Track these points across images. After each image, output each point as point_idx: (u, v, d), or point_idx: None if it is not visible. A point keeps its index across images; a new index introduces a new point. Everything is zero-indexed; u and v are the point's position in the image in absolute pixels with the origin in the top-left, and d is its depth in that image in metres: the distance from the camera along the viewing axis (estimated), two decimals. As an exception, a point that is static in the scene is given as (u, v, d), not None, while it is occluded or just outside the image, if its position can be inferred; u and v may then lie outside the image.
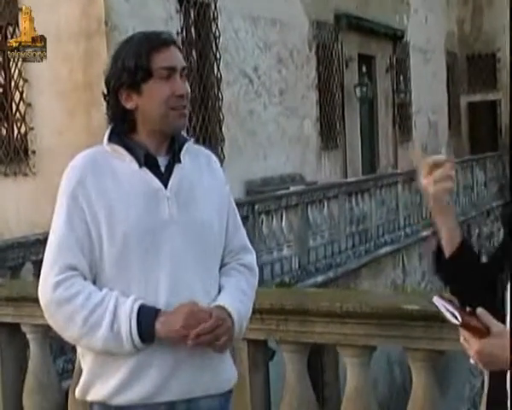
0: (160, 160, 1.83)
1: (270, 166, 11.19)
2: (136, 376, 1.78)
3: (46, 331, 3.14)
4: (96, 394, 1.83)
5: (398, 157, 15.67)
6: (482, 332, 1.45)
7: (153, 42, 1.79)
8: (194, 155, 1.90)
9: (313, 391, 2.73)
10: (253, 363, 2.87)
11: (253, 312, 2.51)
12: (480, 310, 1.44)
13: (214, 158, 1.98)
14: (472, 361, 1.47)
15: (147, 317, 1.73)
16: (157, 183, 1.80)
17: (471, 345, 1.43)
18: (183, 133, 1.90)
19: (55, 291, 1.74)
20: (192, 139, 1.92)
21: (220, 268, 1.93)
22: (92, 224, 1.76)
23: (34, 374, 3.20)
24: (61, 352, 5.36)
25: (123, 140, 1.83)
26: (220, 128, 10.18)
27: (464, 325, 1.44)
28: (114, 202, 1.77)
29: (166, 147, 1.85)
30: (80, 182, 1.78)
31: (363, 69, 14.16)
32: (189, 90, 1.84)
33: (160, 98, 1.78)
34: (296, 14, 12.24)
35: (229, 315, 1.82)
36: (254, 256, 2.03)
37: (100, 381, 1.81)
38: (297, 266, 8.93)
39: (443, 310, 1.45)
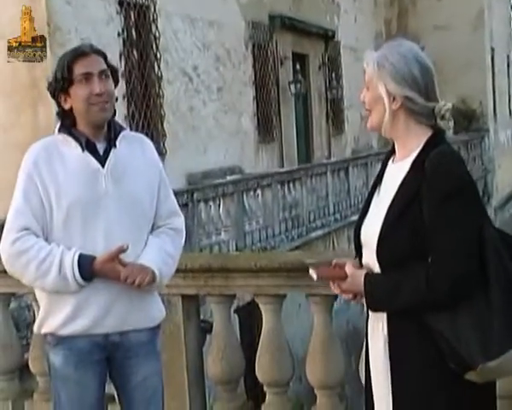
0: (98, 145, 2.23)
1: (210, 160, 11.35)
2: (79, 312, 2.19)
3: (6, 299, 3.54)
4: (48, 326, 2.25)
5: (331, 149, 16.06)
6: (341, 277, 1.82)
7: (73, 54, 2.21)
8: (129, 140, 2.30)
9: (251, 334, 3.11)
10: (186, 314, 3.23)
11: (185, 271, 3.05)
12: (337, 260, 1.89)
13: (147, 141, 2.38)
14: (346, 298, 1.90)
15: (85, 261, 2.16)
16: (95, 163, 2.21)
17: (339, 289, 1.88)
18: (123, 124, 2.39)
19: (13, 245, 2.16)
20: (127, 128, 2.38)
21: (153, 230, 2.31)
22: (44, 196, 2.17)
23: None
24: (17, 329, 5.75)
25: (69, 130, 2.24)
26: (162, 124, 10.28)
27: (323, 278, 1.85)
28: (62, 179, 2.18)
29: (104, 135, 2.25)
30: (35, 163, 2.19)
31: (297, 67, 14.32)
32: (112, 88, 2.23)
33: (82, 98, 2.18)
34: (232, 15, 12.41)
35: (153, 272, 2.21)
36: (182, 219, 2.42)
37: (50, 316, 2.24)
38: (234, 248, 9.22)
39: (313, 276, 1.86)
